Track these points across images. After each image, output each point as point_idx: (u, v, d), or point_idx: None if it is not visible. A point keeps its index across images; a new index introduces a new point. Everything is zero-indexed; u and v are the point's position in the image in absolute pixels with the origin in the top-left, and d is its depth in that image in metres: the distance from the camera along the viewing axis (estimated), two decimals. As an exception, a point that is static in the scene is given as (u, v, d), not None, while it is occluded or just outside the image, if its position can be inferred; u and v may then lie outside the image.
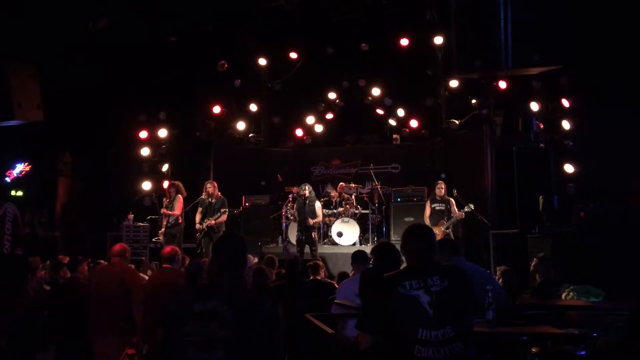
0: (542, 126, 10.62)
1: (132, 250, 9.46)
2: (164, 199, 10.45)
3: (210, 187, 10.18)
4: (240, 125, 13.23)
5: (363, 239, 11.48)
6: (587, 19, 9.25)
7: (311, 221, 10.25)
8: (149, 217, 10.80)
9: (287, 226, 11.69)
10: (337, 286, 6.96)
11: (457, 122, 11.71)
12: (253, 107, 13.40)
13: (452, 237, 9.56)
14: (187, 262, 6.76)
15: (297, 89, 13.31)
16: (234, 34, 12.37)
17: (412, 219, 10.89)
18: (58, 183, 11.91)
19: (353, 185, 12.43)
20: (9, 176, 11.73)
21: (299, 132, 13.84)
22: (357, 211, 11.49)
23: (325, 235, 11.39)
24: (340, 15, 12.38)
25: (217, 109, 12.86)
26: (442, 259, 4.63)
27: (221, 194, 10.24)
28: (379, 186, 11.86)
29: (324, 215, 11.35)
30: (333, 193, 11.94)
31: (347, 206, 11.47)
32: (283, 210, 11.78)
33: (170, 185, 10.53)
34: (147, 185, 11.90)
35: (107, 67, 10.95)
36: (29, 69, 8.24)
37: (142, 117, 12.27)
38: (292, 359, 5.65)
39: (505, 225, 9.75)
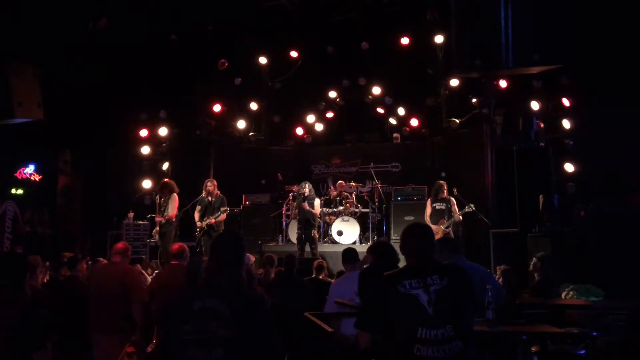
0: (542, 125, 10.61)
1: (132, 249, 9.48)
2: (159, 199, 10.34)
3: (211, 185, 10.14)
4: (241, 124, 13.24)
5: (363, 237, 11.48)
6: (588, 18, 9.24)
7: (306, 206, 10.27)
8: (149, 216, 10.79)
9: (287, 225, 11.70)
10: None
11: (457, 121, 11.71)
12: (253, 106, 13.41)
13: (452, 236, 9.56)
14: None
15: (297, 88, 13.31)
16: (234, 32, 12.38)
17: (412, 217, 10.88)
18: (58, 181, 11.91)
19: (353, 184, 12.44)
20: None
21: (300, 131, 13.85)
22: (357, 210, 11.50)
23: (326, 234, 11.39)
24: (340, 14, 12.37)
25: (217, 108, 12.87)
26: (442, 258, 4.63)
27: (221, 192, 10.21)
28: (379, 185, 11.86)
29: (325, 214, 11.37)
30: (333, 192, 11.94)
31: (347, 205, 11.47)
32: (283, 209, 11.79)
33: (162, 187, 10.35)
34: (147, 184, 11.90)
35: (107, 66, 10.95)
36: (29, 68, 8.22)
37: (143, 115, 12.27)
38: (291, 357, 5.65)
39: (506, 224, 9.75)
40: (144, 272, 8.88)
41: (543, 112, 10.87)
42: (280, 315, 5.65)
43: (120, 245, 6.03)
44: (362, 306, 4.54)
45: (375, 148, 13.46)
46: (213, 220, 9.88)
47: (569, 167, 10.51)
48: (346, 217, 11.28)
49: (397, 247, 5.11)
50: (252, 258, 8.47)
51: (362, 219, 11.52)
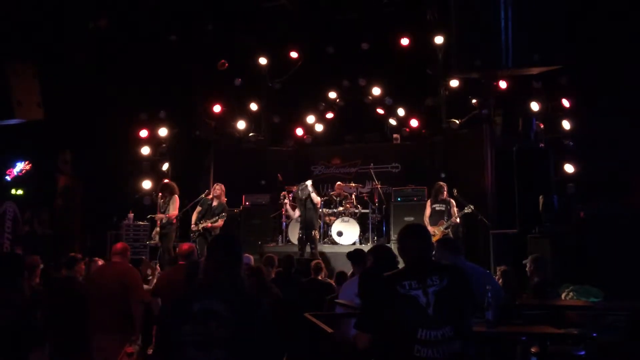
0: (542, 126, 10.61)
1: (132, 249, 9.48)
2: (160, 200, 10.37)
3: (219, 190, 10.13)
4: (241, 125, 13.23)
5: (363, 238, 11.49)
6: (587, 18, 9.25)
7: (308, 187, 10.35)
8: (149, 216, 10.78)
9: (287, 225, 11.70)
10: (335, 286, 6.99)
11: (457, 121, 11.71)
12: (253, 106, 13.40)
13: (452, 237, 9.56)
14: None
15: (297, 88, 13.30)
16: (234, 33, 12.37)
17: (412, 218, 10.88)
18: (58, 181, 11.90)
19: (353, 184, 12.44)
20: (9, 175, 11.72)
21: (299, 132, 13.85)
22: (357, 210, 11.50)
23: (325, 235, 11.40)
24: (340, 15, 12.38)
25: (217, 108, 12.86)
26: (442, 258, 4.63)
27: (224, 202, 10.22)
28: (379, 185, 11.86)
29: (325, 215, 11.38)
30: (333, 193, 11.95)
31: (347, 205, 11.47)
32: (283, 209, 11.79)
33: (163, 187, 10.41)
34: (147, 184, 11.89)
35: (107, 66, 10.95)
36: (29, 68, 8.21)
37: (143, 116, 12.26)
38: (290, 358, 5.65)
39: (505, 225, 9.75)
40: (152, 267, 8.91)
41: (543, 112, 10.87)
42: (279, 315, 5.65)
43: (119, 245, 6.04)
44: (362, 307, 4.54)
45: (375, 148, 13.46)
46: (209, 225, 9.86)
47: (568, 168, 10.51)
48: (346, 218, 11.28)
49: (396, 249, 5.13)
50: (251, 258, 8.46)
51: (362, 220, 11.52)
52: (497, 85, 10.93)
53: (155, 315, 5.88)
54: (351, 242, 11.09)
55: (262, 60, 13.14)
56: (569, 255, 8.02)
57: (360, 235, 11.34)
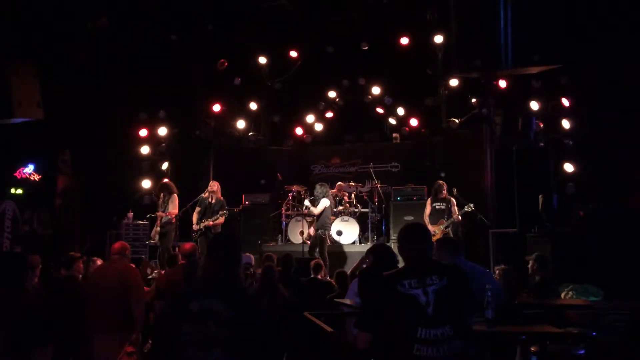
0: (541, 125, 10.61)
1: (132, 249, 9.47)
2: (159, 199, 10.38)
3: (214, 187, 10.15)
4: (240, 124, 13.23)
5: (363, 237, 11.49)
6: (587, 18, 9.25)
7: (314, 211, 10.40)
8: (148, 216, 10.79)
9: (287, 225, 11.71)
10: (335, 285, 6.99)
11: (457, 121, 11.70)
12: (253, 106, 13.40)
13: (452, 236, 9.56)
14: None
15: (297, 88, 13.31)
16: (234, 32, 12.37)
17: (411, 217, 10.89)
18: (58, 181, 11.90)
19: (353, 184, 12.45)
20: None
21: (299, 131, 13.86)
22: (356, 210, 11.50)
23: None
24: (340, 14, 12.38)
25: (217, 108, 12.85)
26: (442, 258, 4.64)
27: (221, 192, 10.22)
28: (378, 185, 11.86)
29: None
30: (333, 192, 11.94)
31: (347, 205, 11.48)
32: (283, 209, 11.80)
33: (161, 187, 10.43)
34: (146, 184, 11.89)
35: (107, 65, 10.94)
36: (29, 67, 8.21)
37: (142, 115, 12.26)
38: (290, 357, 5.65)
39: (505, 224, 9.74)
40: (152, 266, 8.92)
41: (542, 112, 10.87)
42: (281, 315, 5.66)
43: (117, 245, 6.03)
44: (362, 306, 4.54)
45: (375, 148, 13.47)
46: (210, 223, 9.88)
47: (568, 167, 10.51)
48: (345, 217, 11.28)
49: (396, 248, 5.13)
50: (252, 258, 8.47)
51: (361, 219, 11.52)
52: (497, 85, 10.91)
53: (155, 316, 5.89)
54: (351, 242, 11.10)
55: (262, 60, 13.14)
56: (568, 255, 8.02)
57: (359, 235, 11.34)
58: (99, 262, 7.28)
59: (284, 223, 11.83)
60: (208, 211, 10.03)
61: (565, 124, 10.79)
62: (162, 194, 10.27)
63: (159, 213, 10.10)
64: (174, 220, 10.06)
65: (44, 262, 7.18)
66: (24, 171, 11.65)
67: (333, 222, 11.24)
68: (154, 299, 6.31)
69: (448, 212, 9.98)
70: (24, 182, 11.64)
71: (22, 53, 8.38)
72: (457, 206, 10.03)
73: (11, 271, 3.93)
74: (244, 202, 12.13)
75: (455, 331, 3.22)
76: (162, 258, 9.74)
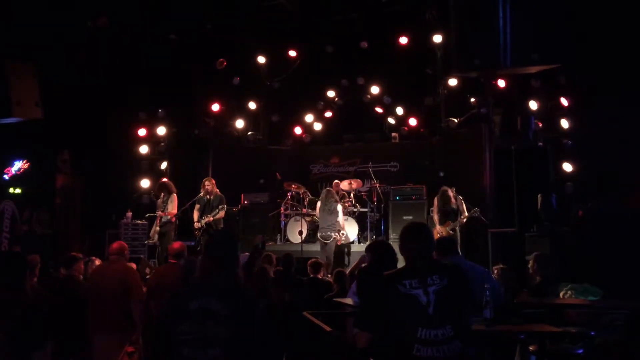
0: (540, 125, 10.62)
1: (131, 248, 9.47)
2: (158, 199, 10.37)
3: (209, 184, 10.15)
4: (239, 123, 13.23)
5: (362, 237, 11.49)
6: (586, 17, 9.25)
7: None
8: (147, 215, 10.78)
9: (286, 224, 11.71)
10: (334, 284, 6.99)
11: (456, 120, 11.71)
12: (252, 105, 13.39)
13: (458, 237, 9.52)
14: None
15: (296, 87, 13.31)
16: (233, 32, 12.37)
17: (410, 217, 10.90)
18: (57, 180, 11.89)
19: (352, 183, 12.43)
20: (7, 173, 11.70)
21: (298, 130, 13.86)
22: (355, 209, 11.50)
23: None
24: (339, 14, 12.38)
25: (216, 107, 12.84)
26: (441, 257, 4.64)
27: (220, 192, 10.22)
28: (377, 184, 11.86)
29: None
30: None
31: (346, 204, 11.47)
32: (282, 208, 11.80)
33: (160, 187, 10.43)
34: (145, 183, 11.88)
35: (106, 65, 10.94)
36: (28, 67, 8.21)
37: (141, 114, 12.24)
38: (289, 357, 5.66)
39: (504, 224, 9.75)
40: (151, 266, 8.92)
41: (541, 111, 10.87)
42: (279, 314, 5.66)
43: (115, 245, 6.03)
44: (361, 306, 4.55)
45: (374, 147, 13.46)
46: (211, 218, 9.89)
47: (567, 167, 10.51)
48: (345, 216, 11.27)
49: (396, 246, 5.13)
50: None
51: (360, 219, 11.52)
52: (496, 85, 10.92)
53: (149, 315, 5.89)
54: (350, 241, 11.09)
55: (261, 59, 13.14)
56: (567, 254, 8.03)
57: (358, 234, 11.34)
58: (98, 262, 7.29)
59: (283, 222, 11.82)
60: (207, 208, 10.03)
61: (565, 123, 10.79)
62: (161, 194, 10.26)
63: (159, 213, 10.10)
64: (173, 220, 10.05)
65: (43, 261, 7.19)
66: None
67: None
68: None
69: (454, 213, 9.83)
70: (20, 180, 11.64)
71: (21, 53, 8.38)
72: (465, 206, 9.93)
73: (10, 271, 3.92)
74: (243, 202, 12.13)
75: (456, 332, 3.22)
76: (161, 258, 9.75)
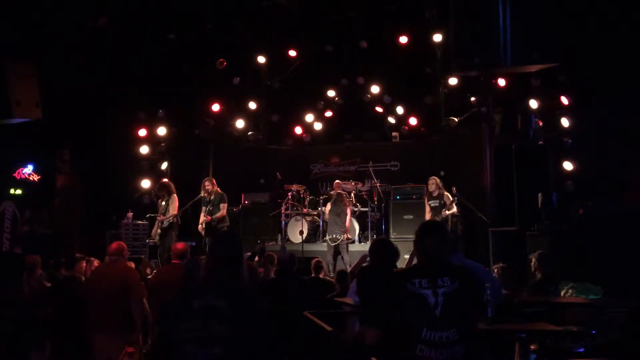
0: (541, 124, 10.61)
1: (132, 249, 9.50)
2: (159, 200, 10.38)
3: (209, 184, 10.16)
4: (240, 123, 13.21)
5: (362, 236, 11.49)
6: (587, 16, 9.25)
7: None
8: (148, 215, 10.79)
9: (286, 224, 11.70)
10: (336, 284, 6.99)
11: (456, 119, 11.69)
12: (252, 105, 13.38)
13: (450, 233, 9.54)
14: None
15: (296, 87, 13.30)
16: (233, 31, 12.36)
17: (411, 216, 10.89)
18: (57, 181, 11.88)
19: (352, 183, 12.44)
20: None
21: (298, 130, 13.85)
22: (356, 209, 11.49)
23: (325, 233, 11.38)
24: (339, 13, 12.37)
25: (216, 107, 12.83)
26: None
27: (220, 191, 10.24)
28: (378, 184, 11.85)
29: (324, 213, 11.35)
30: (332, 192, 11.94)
31: (347, 204, 11.45)
32: (282, 208, 11.80)
33: (160, 188, 10.43)
34: (146, 184, 11.87)
35: (106, 65, 10.94)
36: (28, 67, 8.21)
37: (141, 115, 12.24)
38: (290, 356, 5.66)
39: (504, 222, 9.75)
40: (152, 266, 8.92)
41: (542, 110, 10.86)
42: (281, 314, 5.65)
43: (115, 245, 6.03)
44: (368, 302, 4.54)
45: (374, 147, 13.46)
46: (209, 218, 9.91)
47: (567, 166, 10.50)
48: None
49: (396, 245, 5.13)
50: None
51: (361, 218, 11.52)
52: (496, 83, 10.91)
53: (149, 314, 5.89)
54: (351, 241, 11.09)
55: (261, 59, 13.14)
56: (568, 253, 8.02)
57: (359, 234, 11.33)
58: (96, 262, 7.29)
59: (283, 222, 11.82)
60: (209, 207, 10.06)
61: (565, 122, 10.78)
62: (161, 196, 10.28)
63: (159, 217, 10.10)
64: (175, 219, 10.08)
65: (44, 262, 7.19)
66: (24, 171, 11.63)
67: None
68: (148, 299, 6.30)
69: (442, 207, 9.94)
70: (23, 183, 11.63)
71: (21, 53, 8.38)
72: (455, 203, 9.98)
73: (8, 271, 3.92)
74: (244, 202, 12.13)
75: (461, 336, 3.19)
76: (162, 258, 9.76)
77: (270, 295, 6.11)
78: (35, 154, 11.74)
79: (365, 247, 8.82)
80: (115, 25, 10.71)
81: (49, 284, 6.67)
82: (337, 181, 12.00)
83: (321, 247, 10.80)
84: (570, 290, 6.54)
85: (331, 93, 13.42)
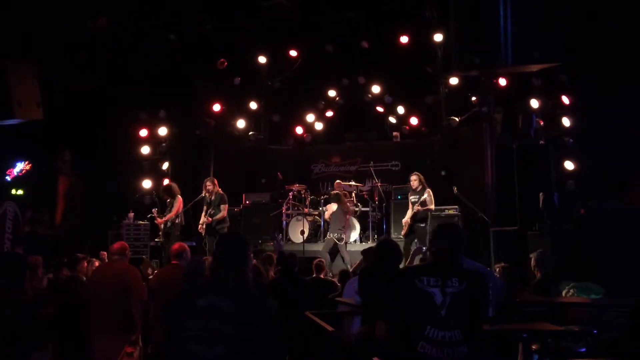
0: (542, 123, 10.61)
1: (133, 249, 9.49)
2: (164, 200, 10.42)
3: (210, 184, 10.18)
4: (240, 123, 13.21)
5: (363, 236, 11.49)
6: (588, 16, 9.23)
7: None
8: (149, 216, 10.80)
9: (287, 224, 11.70)
10: (338, 284, 6.99)
11: (457, 119, 11.68)
12: (253, 105, 13.38)
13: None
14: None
15: (297, 87, 13.31)
16: (233, 32, 12.36)
17: (412, 216, 10.88)
18: (58, 181, 11.89)
19: (353, 182, 12.44)
20: (9, 175, 11.70)
21: (299, 130, 13.85)
22: (357, 209, 11.49)
23: (325, 233, 11.39)
24: (340, 13, 12.37)
25: (217, 107, 12.83)
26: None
27: (222, 191, 10.25)
28: (379, 184, 11.86)
29: (324, 213, 11.37)
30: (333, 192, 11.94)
31: (348, 203, 11.46)
32: (283, 208, 11.80)
33: (164, 191, 10.47)
34: (147, 184, 11.88)
35: (107, 65, 10.94)
36: (29, 67, 8.20)
37: (142, 115, 12.24)
38: (292, 356, 5.66)
39: (505, 222, 9.75)
40: (153, 266, 8.94)
41: (543, 109, 10.86)
42: (282, 314, 5.65)
43: (116, 245, 6.03)
44: (371, 302, 4.53)
45: (375, 147, 13.46)
46: (209, 219, 9.92)
47: (568, 165, 10.50)
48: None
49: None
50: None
51: (362, 218, 11.52)
52: (497, 83, 10.91)
53: (150, 315, 5.89)
54: (352, 241, 11.09)
55: (262, 59, 13.14)
56: (569, 253, 8.02)
57: (360, 234, 11.34)
58: (97, 263, 7.27)
59: (284, 222, 11.82)
60: (209, 208, 10.07)
61: (566, 121, 10.78)
62: (167, 199, 10.32)
63: (158, 220, 10.17)
64: (177, 220, 10.12)
65: (46, 262, 7.19)
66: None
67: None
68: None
69: (421, 204, 9.87)
70: (22, 181, 11.64)
71: (22, 53, 8.37)
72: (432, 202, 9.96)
73: (10, 271, 3.92)
74: (245, 202, 12.13)
75: (464, 337, 3.19)
76: (165, 258, 9.79)
77: (271, 295, 6.10)
78: (36, 154, 11.75)
79: (365, 247, 8.80)
80: (115, 25, 10.70)
81: (50, 285, 6.68)
82: (337, 181, 12.01)
83: (322, 246, 10.79)
84: (571, 290, 6.54)
85: (332, 93, 13.43)
